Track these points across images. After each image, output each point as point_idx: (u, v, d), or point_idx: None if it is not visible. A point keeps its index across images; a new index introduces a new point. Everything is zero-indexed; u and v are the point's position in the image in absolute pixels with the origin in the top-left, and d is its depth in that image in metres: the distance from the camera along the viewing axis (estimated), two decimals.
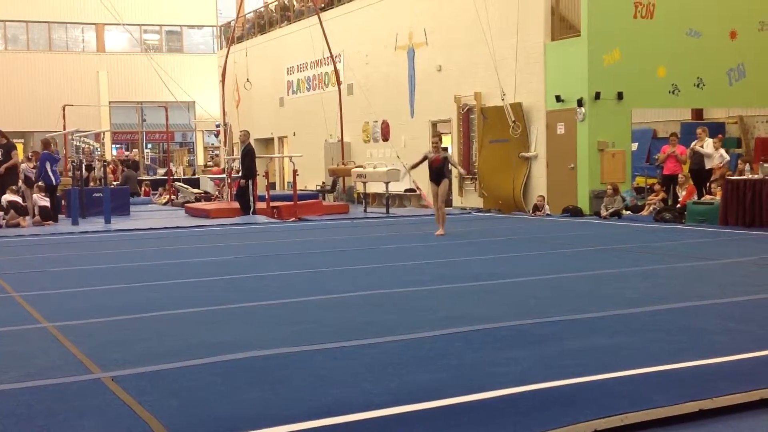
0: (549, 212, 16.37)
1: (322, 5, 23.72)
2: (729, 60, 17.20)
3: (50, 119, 30.36)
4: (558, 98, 16.42)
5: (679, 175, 15.52)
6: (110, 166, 25.52)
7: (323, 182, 23.61)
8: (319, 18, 21.74)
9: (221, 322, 6.12)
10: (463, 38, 18.57)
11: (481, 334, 5.45)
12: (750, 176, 13.49)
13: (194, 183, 27.44)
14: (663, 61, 16.48)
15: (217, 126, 32.80)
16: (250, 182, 17.30)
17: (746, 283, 7.40)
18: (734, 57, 17.24)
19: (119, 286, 8.11)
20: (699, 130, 15.53)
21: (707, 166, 15.08)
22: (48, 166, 16.51)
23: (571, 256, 9.96)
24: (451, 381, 4.30)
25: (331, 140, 23.20)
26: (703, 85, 16.96)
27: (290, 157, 19.61)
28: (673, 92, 16.72)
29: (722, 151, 15.31)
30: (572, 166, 16.33)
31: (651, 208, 15.43)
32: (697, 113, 20.38)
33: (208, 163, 36.12)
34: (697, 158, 15.16)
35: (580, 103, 16.00)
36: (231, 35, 27.57)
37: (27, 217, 16.06)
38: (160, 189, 26.24)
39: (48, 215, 16.41)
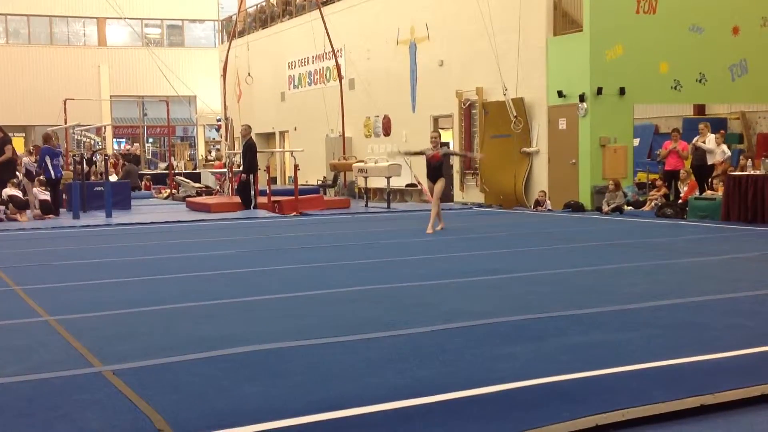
0: (550, 207, 16.36)
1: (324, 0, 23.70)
2: (731, 56, 17.18)
3: (51, 113, 30.34)
4: (560, 93, 16.40)
5: (681, 171, 15.51)
6: (111, 160, 25.51)
7: (324, 177, 23.60)
8: (320, 12, 21.71)
9: (222, 316, 6.12)
10: (465, 33, 18.55)
11: (482, 329, 5.45)
12: (752, 172, 13.51)
13: (195, 177, 27.44)
14: (665, 56, 16.46)
15: (219, 120, 32.79)
16: (251, 177, 17.29)
17: (747, 279, 7.39)
18: (736, 53, 17.22)
19: (120, 280, 8.11)
20: (701, 126, 15.53)
21: (709, 162, 15.08)
22: (48, 160, 16.51)
23: (572, 251, 9.96)
24: (452, 376, 4.30)
25: (332, 135, 23.17)
26: (706, 80, 16.94)
27: (291, 152, 19.61)
28: (675, 88, 16.70)
29: (724, 146, 15.30)
30: (574, 161, 16.32)
31: (652, 204, 15.42)
32: (699, 109, 20.35)
33: (210, 158, 36.08)
34: (699, 154, 15.15)
35: (582, 98, 15.98)
36: (232, 29, 27.53)
37: (27, 211, 16.05)
38: (160, 186, 26.20)
39: (49, 209, 16.41)
